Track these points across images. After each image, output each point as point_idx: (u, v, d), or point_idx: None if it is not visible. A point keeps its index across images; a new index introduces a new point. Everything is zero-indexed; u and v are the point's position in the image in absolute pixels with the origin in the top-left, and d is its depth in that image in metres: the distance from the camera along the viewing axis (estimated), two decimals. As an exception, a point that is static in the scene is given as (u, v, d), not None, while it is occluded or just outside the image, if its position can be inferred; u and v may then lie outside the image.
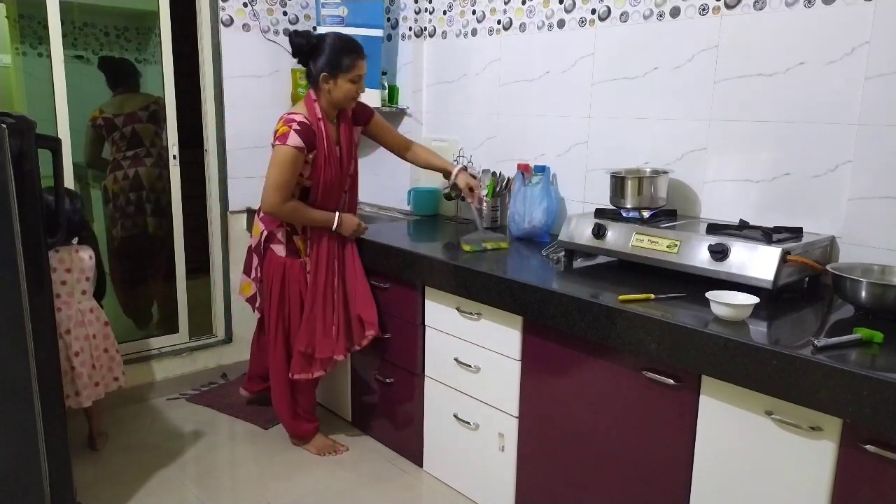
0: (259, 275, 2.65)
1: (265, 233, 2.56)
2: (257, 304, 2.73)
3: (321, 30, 3.14)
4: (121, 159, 3.47)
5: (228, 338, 3.43)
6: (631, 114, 2.45)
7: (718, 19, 2.17)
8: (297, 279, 2.54)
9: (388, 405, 2.72)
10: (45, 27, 2.77)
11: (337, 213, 2.49)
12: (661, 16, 2.32)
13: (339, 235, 2.53)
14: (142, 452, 2.70)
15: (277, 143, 2.35)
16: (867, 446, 1.39)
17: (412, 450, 2.62)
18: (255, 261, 2.65)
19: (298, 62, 2.47)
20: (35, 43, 3.71)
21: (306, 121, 2.37)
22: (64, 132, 2.86)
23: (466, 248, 2.41)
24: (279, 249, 2.54)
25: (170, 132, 3.15)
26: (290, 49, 2.44)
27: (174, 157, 3.16)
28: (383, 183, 3.47)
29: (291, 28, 3.30)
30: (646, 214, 2.17)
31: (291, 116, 2.37)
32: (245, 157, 3.29)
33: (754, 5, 2.08)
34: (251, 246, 2.68)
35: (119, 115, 3.44)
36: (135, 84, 3.57)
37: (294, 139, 2.33)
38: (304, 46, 2.38)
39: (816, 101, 1.98)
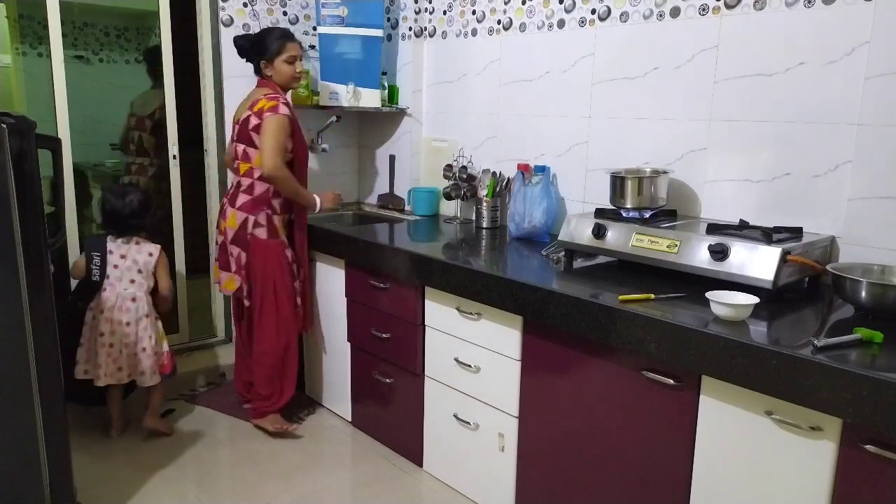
0: (244, 263, 2.69)
1: (249, 219, 2.67)
2: (245, 294, 2.73)
3: (321, 30, 3.15)
4: (131, 164, 3.55)
5: (228, 338, 3.43)
6: (631, 114, 2.44)
7: (718, 19, 2.17)
8: (281, 258, 2.73)
9: (388, 405, 2.72)
10: (45, 27, 2.77)
11: (316, 196, 2.78)
12: (661, 16, 2.32)
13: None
14: (142, 452, 2.70)
15: (268, 114, 2.57)
16: (867, 446, 1.39)
17: (412, 450, 2.62)
18: (236, 251, 2.70)
19: (246, 62, 2.77)
20: (35, 43, 3.72)
21: (284, 97, 2.68)
22: (64, 132, 2.86)
23: None
24: (261, 232, 2.68)
25: (170, 132, 3.15)
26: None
27: (174, 157, 3.16)
28: (383, 183, 3.47)
29: (290, 27, 3.30)
30: (646, 214, 2.17)
31: (272, 95, 2.63)
32: (245, 157, 3.28)
33: (754, 5, 2.08)
34: (225, 240, 2.72)
35: (133, 116, 3.51)
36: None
37: (284, 109, 2.60)
38: (246, 45, 2.73)
39: (816, 101, 1.98)
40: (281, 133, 2.58)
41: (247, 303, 2.76)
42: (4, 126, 1.73)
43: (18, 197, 1.79)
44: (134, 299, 2.66)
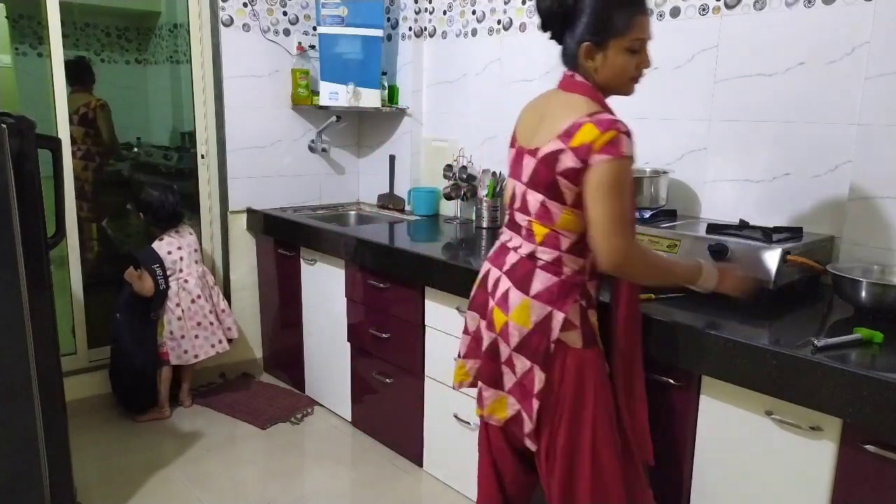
0: (540, 387, 1.58)
1: (555, 316, 1.56)
2: (530, 432, 1.62)
3: (321, 30, 3.15)
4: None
5: (228, 338, 3.42)
6: (631, 114, 2.43)
7: (718, 19, 2.17)
8: (601, 376, 1.61)
9: (388, 405, 2.72)
10: (46, 27, 2.77)
11: (704, 263, 1.65)
12: (660, 16, 2.32)
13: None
14: (142, 452, 2.70)
15: (604, 156, 1.45)
16: (867, 446, 1.39)
17: (412, 450, 2.62)
18: (525, 366, 1.60)
19: (551, 37, 1.62)
20: (35, 43, 3.72)
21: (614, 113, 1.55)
22: (64, 132, 2.86)
23: None
24: (574, 338, 1.58)
25: (198, 131, 3.20)
26: (537, 21, 1.63)
27: (202, 156, 3.23)
28: (383, 183, 3.47)
29: (290, 27, 3.30)
30: (646, 214, 2.17)
31: (602, 116, 1.50)
32: (245, 157, 3.28)
33: (754, 5, 2.08)
34: (497, 340, 1.65)
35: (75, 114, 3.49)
36: (84, 82, 3.48)
37: (628, 147, 1.48)
38: (558, 9, 1.54)
39: (816, 101, 1.98)
40: (627, 187, 1.50)
41: (532, 446, 1.65)
42: (4, 126, 1.74)
43: (18, 197, 1.79)
44: (203, 275, 3.00)
